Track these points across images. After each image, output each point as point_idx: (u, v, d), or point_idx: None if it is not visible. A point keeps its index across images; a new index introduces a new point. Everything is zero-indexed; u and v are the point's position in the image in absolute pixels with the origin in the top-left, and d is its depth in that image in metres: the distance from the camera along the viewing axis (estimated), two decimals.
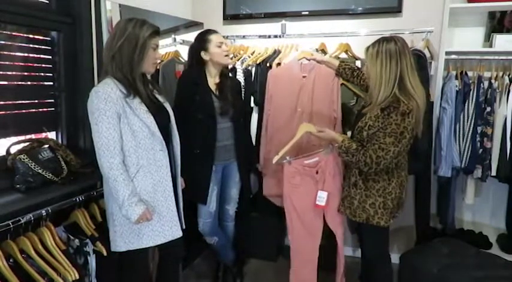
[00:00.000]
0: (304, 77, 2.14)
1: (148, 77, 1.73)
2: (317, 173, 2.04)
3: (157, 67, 2.25)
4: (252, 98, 2.60)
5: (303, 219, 2.11)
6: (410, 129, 1.65)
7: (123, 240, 1.65)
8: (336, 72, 2.18)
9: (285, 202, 2.13)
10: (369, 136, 1.73)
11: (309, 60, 2.19)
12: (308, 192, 2.06)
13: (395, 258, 2.20)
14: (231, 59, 2.60)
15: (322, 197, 2.02)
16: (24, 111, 1.89)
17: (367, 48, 1.75)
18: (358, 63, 2.49)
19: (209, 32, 2.11)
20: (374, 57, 1.70)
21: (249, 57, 2.67)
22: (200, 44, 2.08)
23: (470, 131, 2.44)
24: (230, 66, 2.48)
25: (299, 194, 2.09)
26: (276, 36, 2.72)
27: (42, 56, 1.96)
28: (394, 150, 1.65)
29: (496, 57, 2.42)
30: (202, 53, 2.08)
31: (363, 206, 1.81)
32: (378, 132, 1.68)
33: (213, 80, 2.14)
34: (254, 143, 2.56)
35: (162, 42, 1.68)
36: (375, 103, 1.73)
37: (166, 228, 1.69)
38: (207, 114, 2.07)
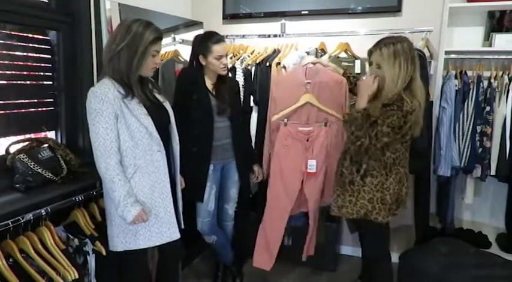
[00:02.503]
0: (308, 83, 2.16)
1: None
2: (307, 140, 2.24)
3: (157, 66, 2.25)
4: (252, 98, 2.59)
5: (284, 178, 2.29)
6: (408, 127, 1.69)
7: (120, 240, 1.65)
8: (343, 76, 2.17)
9: (273, 159, 2.31)
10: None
11: (314, 64, 2.18)
12: (295, 156, 2.26)
13: (394, 257, 2.20)
14: (231, 58, 2.60)
15: (312, 165, 2.25)
16: (23, 110, 1.89)
17: (380, 48, 1.72)
18: (357, 63, 2.49)
19: (213, 39, 2.03)
20: (391, 57, 1.69)
21: (249, 56, 2.67)
22: (201, 49, 2.06)
23: (470, 131, 2.44)
24: (229, 66, 2.47)
25: (287, 155, 2.27)
26: (275, 36, 2.72)
27: (41, 55, 1.96)
28: (386, 140, 1.69)
29: (496, 57, 2.43)
30: (201, 57, 2.07)
31: (362, 202, 1.81)
32: (375, 123, 1.68)
33: (210, 80, 2.15)
34: (254, 142, 2.55)
35: (162, 41, 1.66)
36: (382, 101, 1.72)
37: (164, 230, 1.68)
38: (203, 112, 2.08)
